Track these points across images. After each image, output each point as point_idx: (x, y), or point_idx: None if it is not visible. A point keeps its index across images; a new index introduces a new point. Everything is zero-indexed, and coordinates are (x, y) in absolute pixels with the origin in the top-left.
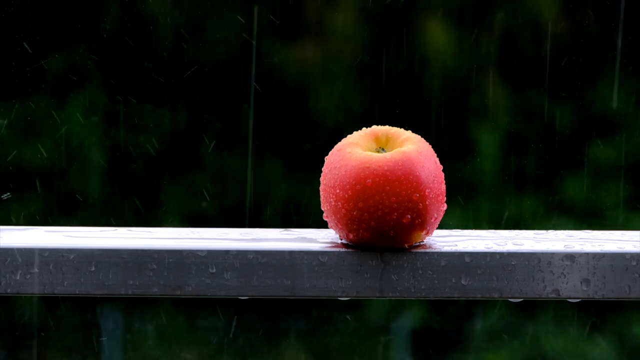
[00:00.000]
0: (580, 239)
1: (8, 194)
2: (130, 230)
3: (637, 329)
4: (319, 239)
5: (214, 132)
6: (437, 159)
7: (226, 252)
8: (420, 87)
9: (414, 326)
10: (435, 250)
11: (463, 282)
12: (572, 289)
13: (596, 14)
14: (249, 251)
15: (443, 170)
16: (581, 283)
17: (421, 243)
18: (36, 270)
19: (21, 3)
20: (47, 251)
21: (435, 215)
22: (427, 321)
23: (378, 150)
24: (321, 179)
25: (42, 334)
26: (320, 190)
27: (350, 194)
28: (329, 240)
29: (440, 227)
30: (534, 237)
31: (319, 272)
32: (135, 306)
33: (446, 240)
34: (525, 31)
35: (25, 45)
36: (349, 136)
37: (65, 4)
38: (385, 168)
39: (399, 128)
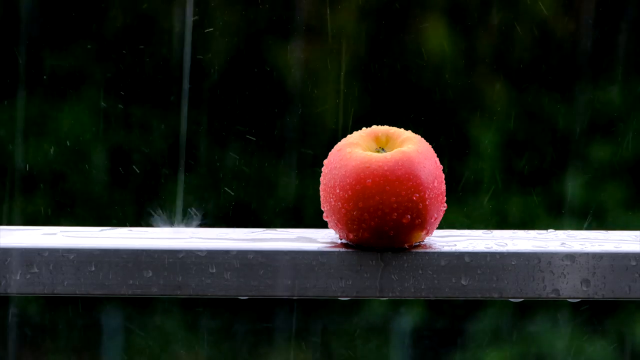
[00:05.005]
0: (580, 238)
1: None
2: (130, 230)
3: (637, 329)
4: (319, 239)
5: (214, 132)
6: (437, 159)
7: (226, 252)
8: (420, 87)
9: (413, 326)
10: (435, 250)
11: (463, 282)
12: (572, 289)
13: (596, 13)
14: (249, 251)
15: (443, 170)
16: (581, 283)
17: (421, 243)
18: (36, 270)
19: (22, 3)
20: (47, 251)
21: (435, 215)
22: (427, 321)
23: (378, 150)
24: (321, 179)
25: (42, 334)
26: (320, 190)
27: (350, 194)
28: (329, 240)
29: (440, 227)
30: (534, 237)
31: (319, 272)
32: (135, 306)
33: (446, 240)
34: (525, 30)
35: (26, 45)
36: (349, 136)
37: (66, 3)
38: (385, 168)
39: (398, 128)
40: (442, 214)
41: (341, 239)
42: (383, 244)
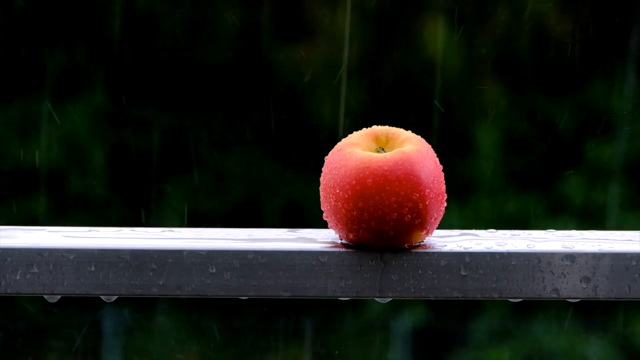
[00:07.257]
0: (580, 239)
1: None
2: (130, 230)
3: (637, 329)
4: (319, 239)
5: (214, 132)
6: (437, 159)
7: (226, 252)
8: (420, 87)
9: (414, 326)
10: (435, 250)
11: (463, 283)
12: (572, 289)
13: (595, 13)
14: (249, 251)
15: (443, 170)
16: (581, 283)
17: (421, 243)
18: (36, 270)
19: (22, 3)
20: (47, 251)
21: (435, 215)
22: (427, 321)
23: (378, 150)
24: (321, 179)
25: (42, 334)
26: (320, 190)
27: (350, 194)
28: (329, 240)
29: (440, 227)
30: (534, 237)
31: (318, 272)
32: (135, 306)
33: (446, 240)
34: (525, 31)
35: (26, 45)
36: (349, 136)
37: (66, 3)
38: (385, 168)
39: (399, 128)
40: (442, 214)
41: (341, 239)
42: (383, 244)
